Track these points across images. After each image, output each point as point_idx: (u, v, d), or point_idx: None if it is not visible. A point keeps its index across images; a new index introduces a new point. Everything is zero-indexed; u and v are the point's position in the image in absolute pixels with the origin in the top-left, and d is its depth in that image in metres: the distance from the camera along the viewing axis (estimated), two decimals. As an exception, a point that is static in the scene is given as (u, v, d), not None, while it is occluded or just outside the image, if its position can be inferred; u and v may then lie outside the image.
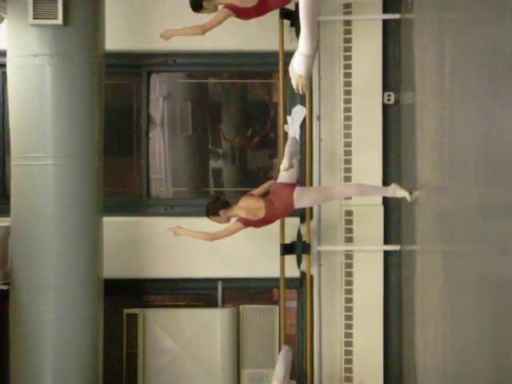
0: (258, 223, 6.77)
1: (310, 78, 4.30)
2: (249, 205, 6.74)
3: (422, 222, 5.66)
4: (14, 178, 7.07)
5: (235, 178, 8.87)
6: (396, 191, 6.67)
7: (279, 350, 7.76)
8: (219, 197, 6.88)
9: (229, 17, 6.47)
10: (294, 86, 4.36)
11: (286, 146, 6.88)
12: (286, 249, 7.71)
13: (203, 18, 6.58)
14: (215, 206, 6.72)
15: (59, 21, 6.74)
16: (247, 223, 6.70)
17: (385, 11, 7.78)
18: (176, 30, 6.59)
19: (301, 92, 4.38)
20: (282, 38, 7.60)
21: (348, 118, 7.83)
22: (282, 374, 6.99)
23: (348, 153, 7.84)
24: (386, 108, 7.84)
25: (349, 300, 7.82)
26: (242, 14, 6.52)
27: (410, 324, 6.52)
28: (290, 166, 6.73)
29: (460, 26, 3.57)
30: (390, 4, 7.75)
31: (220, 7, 6.51)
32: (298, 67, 4.10)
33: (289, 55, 7.65)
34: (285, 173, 6.81)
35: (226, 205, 6.72)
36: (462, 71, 3.52)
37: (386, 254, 7.80)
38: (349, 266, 7.82)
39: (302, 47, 3.96)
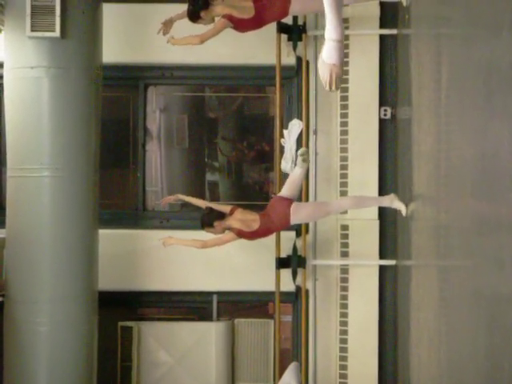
0: (252, 235, 6.76)
1: (343, 70, 4.02)
2: (243, 216, 6.75)
3: (418, 237, 5.65)
4: (9, 189, 7.06)
5: (231, 191, 8.87)
6: (394, 201, 6.67)
7: (274, 364, 7.74)
8: (213, 208, 6.89)
9: (226, 27, 6.53)
10: (326, 80, 3.99)
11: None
12: (282, 263, 7.70)
13: (199, 31, 6.60)
14: (210, 218, 6.74)
15: (57, 33, 6.74)
16: (240, 234, 6.71)
17: (382, 26, 7.80)
18: (178, 39, 6.64)
19: (333, 88, 4.07)
20: (279, 51, 7.62)
21: (344, 133, 7.84)
22: None
23: (344, 167, 7.84)
24: (382, 123, 7.85)
25: (344, 314, 7.80)
26: (239, 25, 6.57)
27: (404, 339, 6.50)
28: (304, 158, 6.70)
29: (457, 41, 3.58)
30: (387, 19, 7.77)
31: (217, 19, 6.58)
32: (329, 56, 3.83)
33: (286, 69, 7.76)
34: (286, 189, 6.78)
35: (221, 216, 6.74)
36: (459, 86, 3.53)
37: (382, 268, 7.79)
38: (344, 280, 7.81)
39: (332, 33, 3.74)
